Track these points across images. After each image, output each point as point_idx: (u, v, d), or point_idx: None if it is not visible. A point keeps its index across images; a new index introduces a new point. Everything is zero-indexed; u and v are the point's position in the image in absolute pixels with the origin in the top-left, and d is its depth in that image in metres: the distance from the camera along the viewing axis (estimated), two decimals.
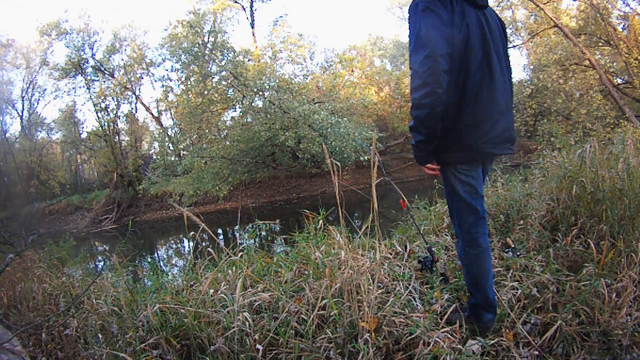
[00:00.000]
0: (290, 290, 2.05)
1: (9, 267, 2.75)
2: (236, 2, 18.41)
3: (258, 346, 1.66)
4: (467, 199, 1.60)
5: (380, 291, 1.91)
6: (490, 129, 1.49)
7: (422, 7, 1.39)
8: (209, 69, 15.06)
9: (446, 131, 1.49)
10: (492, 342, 1.67)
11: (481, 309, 1.72)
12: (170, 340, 1.79)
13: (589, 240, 2.13)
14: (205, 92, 14.43)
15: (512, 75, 1.68)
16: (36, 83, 21.93)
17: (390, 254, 2.53)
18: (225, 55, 14.31)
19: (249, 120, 14.59)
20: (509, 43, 1.80)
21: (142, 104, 20.99)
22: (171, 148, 17.33)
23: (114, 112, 19.56)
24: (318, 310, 1.76)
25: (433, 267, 2.24)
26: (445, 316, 1.73)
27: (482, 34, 1.47)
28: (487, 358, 1.63)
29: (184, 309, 1.87)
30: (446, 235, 2.90)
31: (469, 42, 1.43)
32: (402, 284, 2.07)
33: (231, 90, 14.23)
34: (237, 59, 13.95)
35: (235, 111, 16.02)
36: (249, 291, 2.06)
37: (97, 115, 19.18)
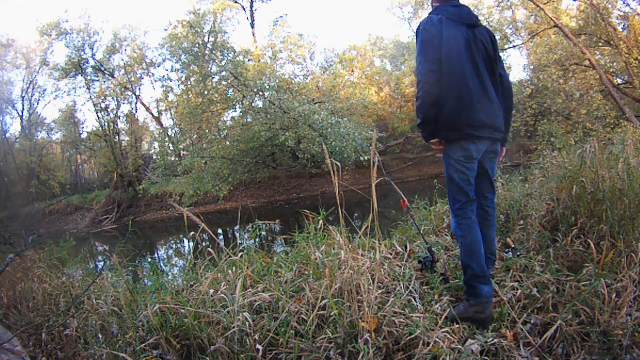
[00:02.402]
0: (290, 290, 2.05)
1: (9, 267, 2.75)
2: (236, 2, 18.41)
3: (258, 346, 1.66)
4: (461, 184, 1.96)
5: (380, 291, 1.91)
6: (471, 115, 1.88)
7: (422, 28, 1.93)
8: (209, 69, 15.03)
9: (440, 116, 1.91)
10: (493, 341, 1.67)
11: (478, 280, 1.83)
12: (170, 340, 1.80)
13: (589, 240, 2.13)
14: (205, 92, 14.41)
15: (508, 78, 2.10)
16: (36, 83, 21.94)
17: (390, 254, 2.52)
18: (225, 55, 14.29)
19: (249, 120, 14.55)
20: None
21: (142, 104, 21.01)
22: (171, 148, 17.30)
23: (114, 112, 19.57)
24: (318, 310, 1.76)
25: (433, 267, 2.24)
26: (445, 313, 1.73)
27: (468, 45, 1.91)
28: (486, 358, 1.63)
29: (184, 309, 1.87)
30: (446, 235, 2.90)
31: (456, 50, 1.88)
32: (402, 284, 2.07)
33: (231, 90, 14.21)
34: (237, 59, 13.93)
35: (235, 111, 16.02)
36: (249, 291, 2.06)
37: (97, 115, 19.19)
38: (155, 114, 22.08)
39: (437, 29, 1.88)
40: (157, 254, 11.02)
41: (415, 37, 1.99)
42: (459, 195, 1.98)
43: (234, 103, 14.85)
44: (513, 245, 2.45)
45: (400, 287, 2.04)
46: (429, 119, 1.92)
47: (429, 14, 2.03)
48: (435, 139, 2.00)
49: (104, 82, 18.91)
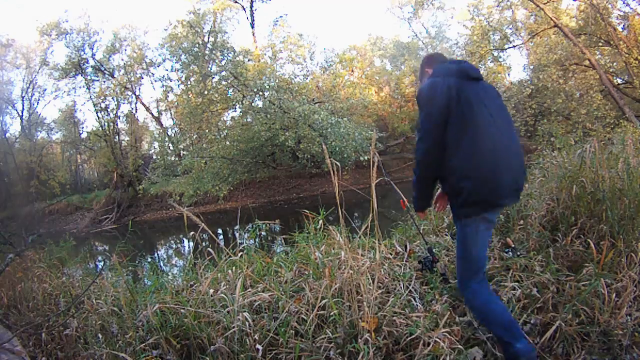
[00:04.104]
0: (290, 290, 2.05)
1: (9, 267, 2.74)
2: (236, 2, 18.40)
3: (258, 346, 1.66)
4: (480, 258, 1.74)
5: (380, 291, 1.91)
6: (500, 184, 1.68)
7: (427, 85, 1.75)
8: (209, 69, 15.04)
9: (462, 191, 1.69)
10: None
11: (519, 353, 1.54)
12: (170, 340, 1.79)
13: (589, 240, 2.13)
14: (205, 92, 14.42)
15: (514, 129, 1.85)
16: (36, 83, 21.92)
17: (390, 254, 2.52)
18: (225, 55, 14.31)
19: (249, 120, 14.58)
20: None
21: (142, 104, 21.01)
22: (171, 148, 17.33)
23: (114, 112, 19.56)
24: (318, 310, 1.76)
25: (433, 268, 2.24)
26: (446, 316, 1.73)
27: (482, 100, 1.73)
28: (486, 357, 1.63)
29: (184, 309, 1.87)
30: (446, 235, 2.90)
31: (471, 112, 1.70)
32: (402, 284, 2.07)
33: (231, 90, 14.22)
34: (237, 59, 13.94)
35: (235, 111, 16.04)
36: (249, 291, 2.06)
37: (97, 115, 19.18)
38: (155, 114, 22.09)
39: (444, 84, 1.71)
40: (157, 254, 11.03)
41: (416, 98, 1.81)
42: (475, 272, 1.73)
43: (234, 103, 14.86)
44: (513, 245, 2.45)
45: (400, 287, 2.04)
46: (427, 178, 1.77)
47: (429, 78, 1.83)
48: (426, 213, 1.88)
49: (104, 82, 18.91)
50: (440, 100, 1.69)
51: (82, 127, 22.07)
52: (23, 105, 22.41)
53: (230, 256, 2.25)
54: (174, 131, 18.07)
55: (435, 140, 1.70)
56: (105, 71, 18.67)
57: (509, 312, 1.71)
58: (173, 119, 21.04)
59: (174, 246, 12.06)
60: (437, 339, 1.60)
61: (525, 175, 1.82)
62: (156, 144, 18.39)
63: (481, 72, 1.92)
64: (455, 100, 1.69)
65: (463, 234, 1.75)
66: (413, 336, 1.64)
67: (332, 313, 1.73)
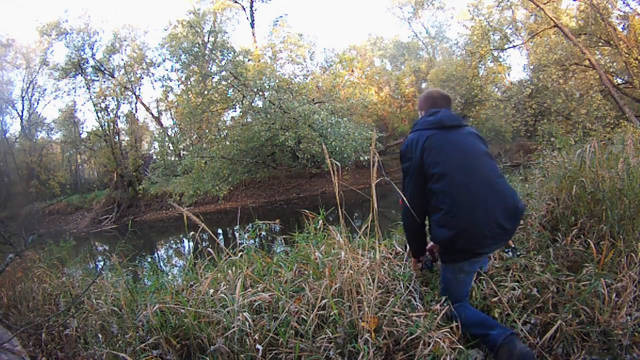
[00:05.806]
0: (290, 290, 2.05)
1: (9, 267, 2.74)
2: (236, 2, 18.42)
3: (258, 346, 1.66)
4: (461, 294, 1.86)
5: (380, 291, 1.91)
6: (474, 234, 1.71)
7: (406, 142, 1.93)
8: (209, 69, 15.06)
9: (434, 236, 1.82)
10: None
11: (506, 341, 1.56)
12: (170, 340, 1.80)
13: (589, 240, 2.13)
14: (205, 92, 14.42)
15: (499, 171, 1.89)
16: (36, 83, 21.95)
17: (390, 254, 2.52)
18: (225, 55, 14.30)
19: (249, 120, 14.59)
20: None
21: (142, 104, 21.03)
22: (171, 148, 17.31)
23: (114, 112, 19.58)
24: (318, 310, 1.76)
25: (433, 267, 2.24)
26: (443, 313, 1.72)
27: (461, 147, 1.80)
28: (487, 358, 1.63)
29: (184, 309, 1.87)
30: None
31: (449, 162, 1.76)
32: (402, 284, 2.07)
33: (231, 90, 14.22)
34: (237, 59, 13.93)
35: (235, 111, 16.05)
36: (249, 291, 2.06)
37: (97, 115, 19.19)
38: (155, 114, 22.11)
39: (417, 154, 1.82)
40: (157, 254, 11.02)
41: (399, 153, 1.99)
42: (456, 301, 1.83)
43: (234, 103, 14.87)
44: (513, 245, 2.44)
45: (400, 287, 2.04)
46: (413, 228, 1.94)
47: (411, 131, 1.97)
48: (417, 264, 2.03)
49: (104, 82, 18.93)
50: (416, 156, 1.83)
51: (82, 127, 22.11)
52: (23, 105, 22.46)
53: (230, 256, 2.25)
54: (174, 131, 18.07)
55: (414, 193, 1.85)
56: (105, 71, 18.68)
57: (480, 312, 1.82)
58: (173, 119, 21.05)
59: (174, 246, 12.06)
60: (437, 339, 1.60)
61: (518, 213, 1.81)
62: (156, 144, 18.38)
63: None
64: (428, 150, 1.79)
65: (444, 275, 1.89)
66: (413, 336, 1.64)
67: (332, 313, 1.73)
